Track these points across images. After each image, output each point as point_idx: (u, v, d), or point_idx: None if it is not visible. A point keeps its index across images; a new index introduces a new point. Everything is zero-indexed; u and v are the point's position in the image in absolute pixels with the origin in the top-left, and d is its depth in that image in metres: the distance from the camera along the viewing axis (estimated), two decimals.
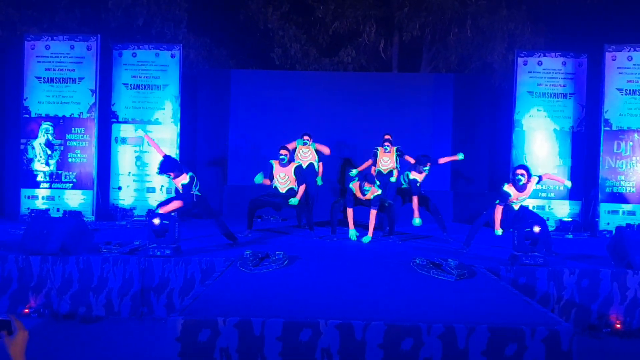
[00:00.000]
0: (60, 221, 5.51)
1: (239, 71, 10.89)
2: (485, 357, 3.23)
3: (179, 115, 8.56)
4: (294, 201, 6.73)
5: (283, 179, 6.91)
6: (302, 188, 6.86)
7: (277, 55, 12.49)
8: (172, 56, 8.59)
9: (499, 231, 6.02)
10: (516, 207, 6.15)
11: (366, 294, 4.07)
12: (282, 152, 6.98)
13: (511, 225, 5.94)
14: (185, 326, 3.27)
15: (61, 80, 8.28)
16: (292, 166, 6.96)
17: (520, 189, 5.96)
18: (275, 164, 6.97)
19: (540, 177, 6.13)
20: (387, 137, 7.88)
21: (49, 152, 8.27)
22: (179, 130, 8.51)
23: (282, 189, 6.90)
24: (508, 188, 5.98)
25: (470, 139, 9.66)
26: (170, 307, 5.03)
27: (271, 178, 6.94)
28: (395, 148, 7.86)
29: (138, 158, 8.57)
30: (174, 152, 8.48)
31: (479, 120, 9.80)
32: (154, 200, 8.49)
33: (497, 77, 10.44)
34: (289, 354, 3.27)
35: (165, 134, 8.53)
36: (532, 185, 6.03)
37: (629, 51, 8.06)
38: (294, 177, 6.89)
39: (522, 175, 5.91)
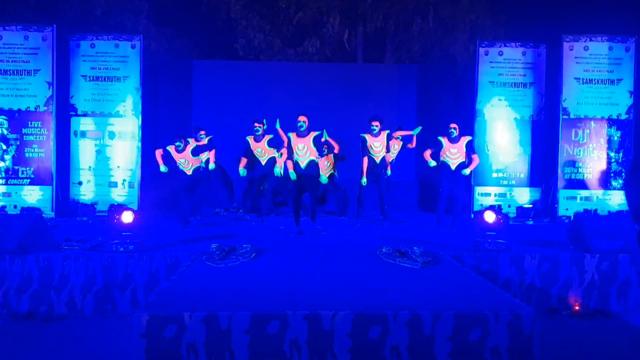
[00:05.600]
0: (17, 218, 5.33)
1: (201, 62, 10.72)
2: (450, 343, 3.29)
3: (140, 108, 8.37)
4: (323, 179, 6.37)
5: (302, 150, 6.23)
6: (331, 156, 6.51)
7: (241, 45, 12.39)
8: (133, 47, 8.38)
9: (432, 163, 6.87)
10: (453, 166, 6.79)
11: (334, 284, 4.08)
12: (301, 118, 6.24)
13: (444, 184, 6.82)
14: (151, 322, 3.21)
15: (15, 72, 7.99)
16: (311, 135, 6.26)
17: (453, 140, 6.80)
18: (292, 136, 6.28)
19: (470, 141, 6.87)
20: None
21: (4, 147, 7.99)
22: (140, 122, 8.33)
23: (302, 163, 6.25)
24: (441, 138, 6.85)
25: (434, 128, 9.76)
26: (134, 303, 4.94)
27: (291, 151, 6.28)
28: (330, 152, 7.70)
29: (99, 152, 8.36)
30: (135, 145, 8.31)
31: (442, 109, 9.91)
32: (115, 195, 8.31)
33: (459, 67, 10.59)
34: (257, 347, 3.25)
35: (126, 127, 8.35)
36: (464, 141, 6.80)
37: (585, 41, 8.29)
38: (314, 148, 6.24)
39: (455, 128, 6.77)
